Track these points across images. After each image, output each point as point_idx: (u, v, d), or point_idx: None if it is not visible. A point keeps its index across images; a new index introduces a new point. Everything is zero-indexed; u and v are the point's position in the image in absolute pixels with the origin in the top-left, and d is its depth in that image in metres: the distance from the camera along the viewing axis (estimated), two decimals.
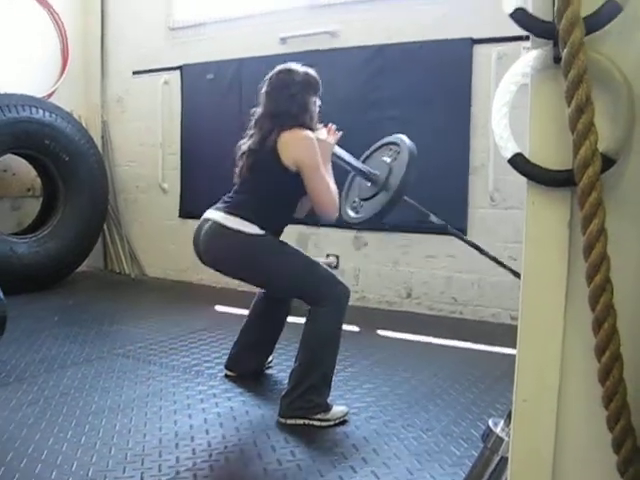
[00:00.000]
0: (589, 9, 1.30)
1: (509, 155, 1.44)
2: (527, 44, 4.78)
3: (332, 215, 3.04)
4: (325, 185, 2.97)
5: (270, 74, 3.11)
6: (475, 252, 4.75)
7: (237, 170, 3.14)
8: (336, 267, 5.25)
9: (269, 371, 3.62)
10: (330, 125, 3.16)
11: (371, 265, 5.23)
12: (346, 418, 2.94)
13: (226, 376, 3.50)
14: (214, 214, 3.04)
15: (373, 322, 4.70)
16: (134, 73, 6.50)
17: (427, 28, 4.84)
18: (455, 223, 4.82)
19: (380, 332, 4.51)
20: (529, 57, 1.40)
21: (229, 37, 5.88)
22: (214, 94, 5.98)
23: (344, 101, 5.12)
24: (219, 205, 3.08)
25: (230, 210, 2.99)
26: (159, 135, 6.31)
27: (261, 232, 2.94)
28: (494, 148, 4.53)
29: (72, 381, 3.36)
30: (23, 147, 5.55)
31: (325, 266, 3.15)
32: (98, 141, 6.42)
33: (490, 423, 2.15)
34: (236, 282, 5.88)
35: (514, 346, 4.51)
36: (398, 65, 5.01)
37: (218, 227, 2.98)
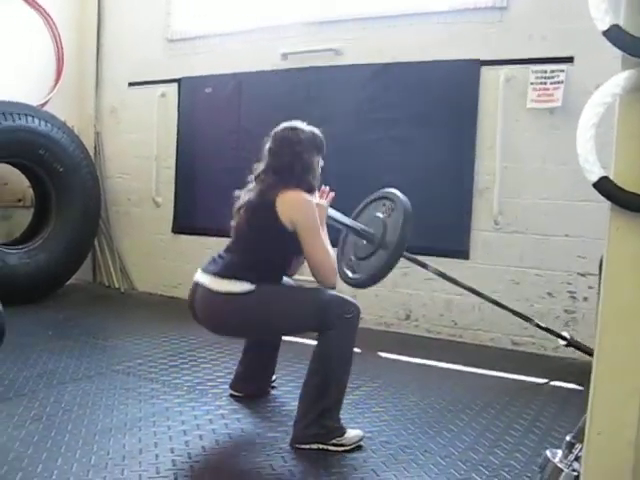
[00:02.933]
0: None
1: (595, 178, 1.39)
2: (536, 67, 4.76)
3: (332, 281, 2.93)
4: (325, 252, 2.87)
5: (275, 130, 3.02)
6: (473, 276, 4.73)
7: (233, 223, 3.03)
8: None
9: (274, 391, 3.53)
10: (323, 187, 3.11)
11: None
12: (361, 443, 2.85)
13: (231, 396, 3.41)
14: (203, 277, 2.93)
15: (373, 344, 4.61)
16: (130, 84, 6.41)
17: (434, 48, 4.81)
18: (457, 246, 4.81)
19: (381, 354, 4.44)
20: (619, 78, 1.36)
21: (229, 51, 5.81)
22: (212, 108, 5.90)
23: (345, 119, 5.09)
24: (209, 267, 2.96)
25: (219, 272, 2.88)
26: (154, 148, 6.20)
27: (252, 287, 2.81)
28: (500, 171, 4.51)
29: (74, 397, 3.25)
30: (17, 156, 5.44)
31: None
32: (91, 152, 6.31)
33: (548, 454, 2.10)
34: None
35: (517, 372, 4.42)
36: (402, 85, 4.96)
37: (208, 293, 2.88)
